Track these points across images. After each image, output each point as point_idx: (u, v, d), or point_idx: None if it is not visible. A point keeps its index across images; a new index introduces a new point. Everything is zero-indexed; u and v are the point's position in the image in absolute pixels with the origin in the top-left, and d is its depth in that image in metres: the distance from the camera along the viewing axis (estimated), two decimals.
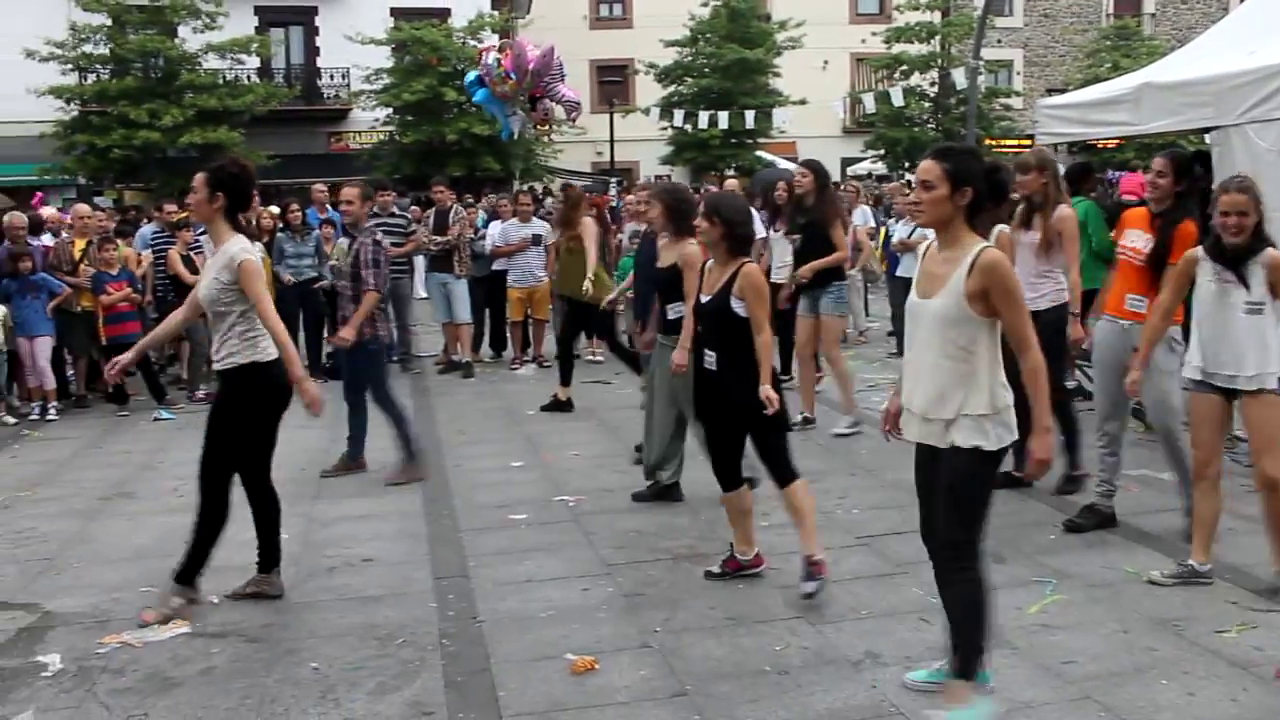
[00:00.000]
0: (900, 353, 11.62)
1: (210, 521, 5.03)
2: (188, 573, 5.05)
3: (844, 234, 8.39)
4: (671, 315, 6.38)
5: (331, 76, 30.37)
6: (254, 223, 9.95)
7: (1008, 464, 6.13)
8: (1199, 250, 5.10)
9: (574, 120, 17.84)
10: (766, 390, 4.98)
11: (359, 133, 30.25)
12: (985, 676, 3.93)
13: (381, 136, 29.19)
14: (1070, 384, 9.33)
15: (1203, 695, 4.04)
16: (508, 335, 12.31)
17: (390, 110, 28.15)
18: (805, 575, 5.06)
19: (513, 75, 15.84)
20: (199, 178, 5.00)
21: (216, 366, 5.06)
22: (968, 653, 3.77)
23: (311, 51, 30.73)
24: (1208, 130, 7.42)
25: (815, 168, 8.57)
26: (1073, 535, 5.82)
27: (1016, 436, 3.85)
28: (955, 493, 3.82)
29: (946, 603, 3.88)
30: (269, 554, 5.30)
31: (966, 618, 3.79)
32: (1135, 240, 5.91)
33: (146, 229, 12.09)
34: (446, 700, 4.14)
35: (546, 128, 18.18)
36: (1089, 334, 6.47)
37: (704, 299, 5.24)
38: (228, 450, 5.02)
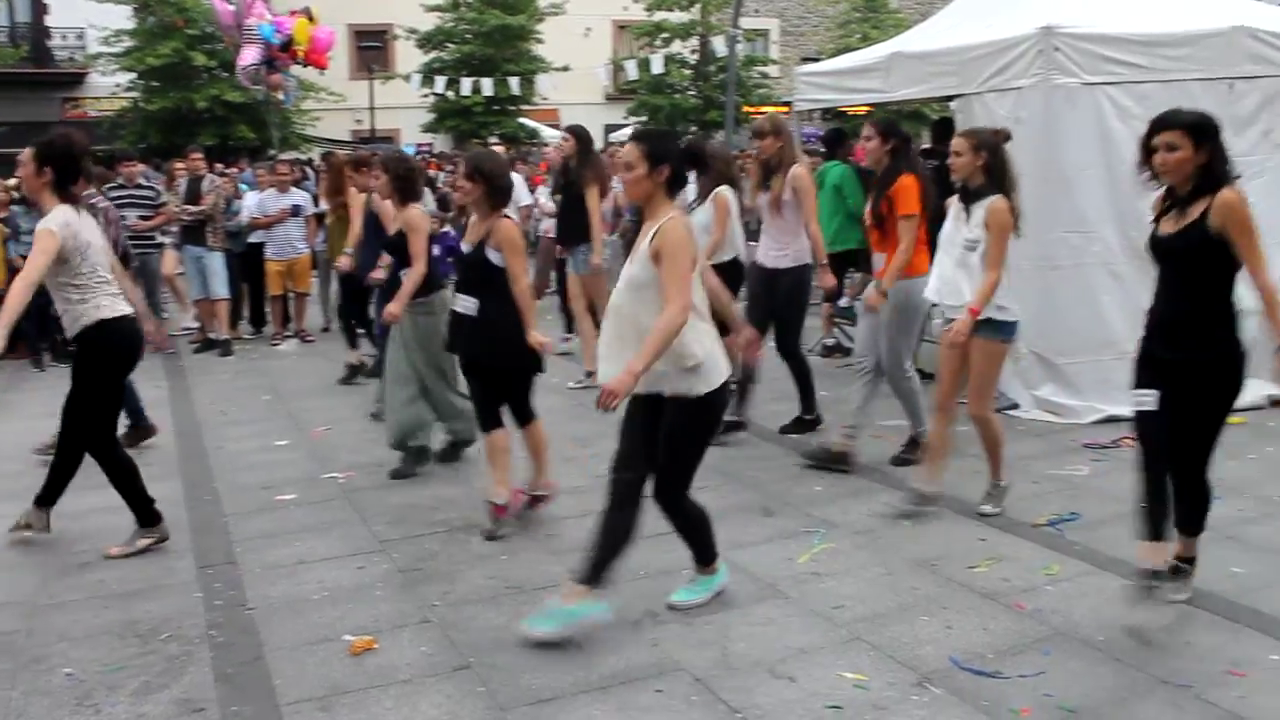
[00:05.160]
0: None
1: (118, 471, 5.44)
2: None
3: (598, 199, 8.56)
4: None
5: (64, 37, 28.26)
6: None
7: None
8: (955, 196, 5.56)
9: (248, 87, 17.76)
10: (535, 336, 5.36)
11: (98, 99, 28.31)
12: (723, 571, 4.63)
13: (125, 103, 27.40)
14: (829, 341, 9.76)
15: (959, 627, 4.31)
16: (267, 310, 11.83)
17: (134, 75, 26.44)
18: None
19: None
20: (27, 153, 5.21)
21: (70, 334, 5.25)
22: (701, 550, 4.57)
23: (39, 9, 28.47)
24: (953, 98, 7.82)
25: (578, 132, 8.82)
26: (837, 486, 6.10)
27: (726, 376, 4.27)
28: (674, 441, 4.27)
29: (676, 527, 4.51)
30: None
31: (691, 533, 4.52)
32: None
33: None
34: (218, 694, 3.94)
35: (277, 94, 17.92)
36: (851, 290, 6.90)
37: (465, 248, 5.61)
38: (92, 411, 5.29)
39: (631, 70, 27.32)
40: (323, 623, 4.51)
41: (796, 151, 7.19)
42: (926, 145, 10.85)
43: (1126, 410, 6.78)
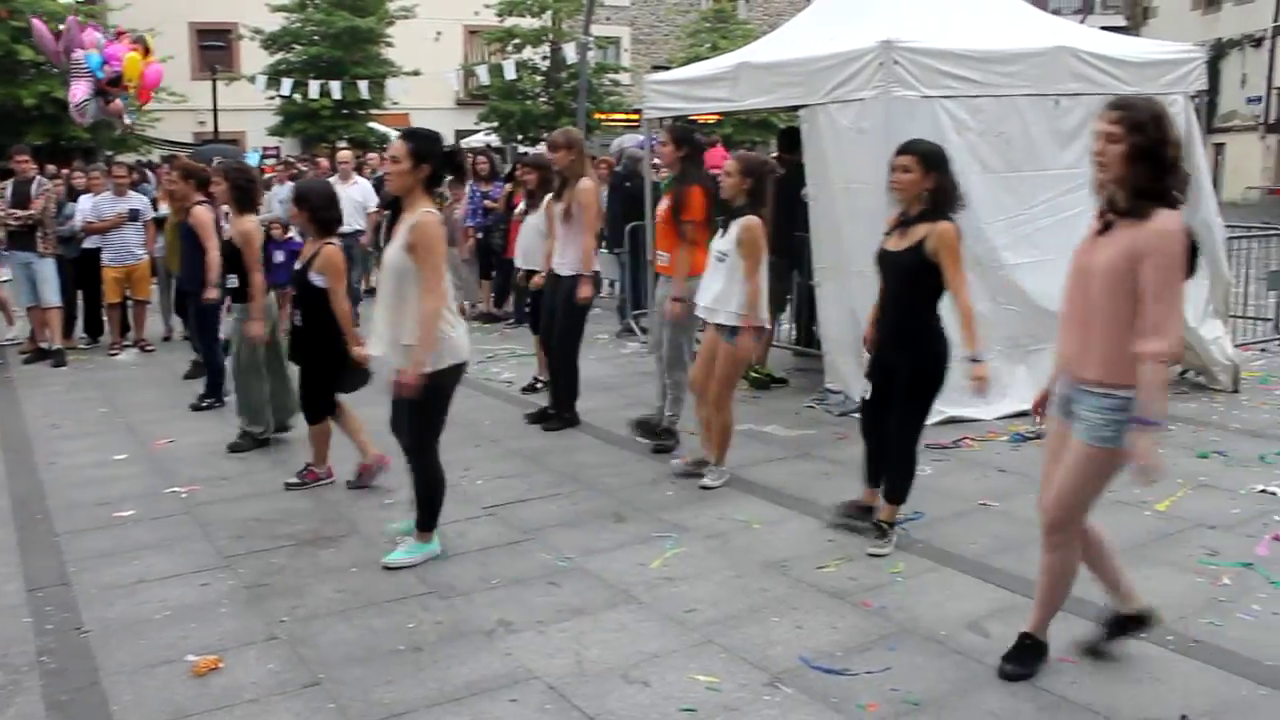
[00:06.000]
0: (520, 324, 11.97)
1: None
2: None
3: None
4: (231, 284, 7.04)
5: None
6: None
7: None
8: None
9: (80, 124, 17.37)
10: (360, 351, 5.95)
11: None
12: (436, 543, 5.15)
13: None
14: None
15: (809, 626, 4.41)
16: (104, 318, 11.34)
17: None
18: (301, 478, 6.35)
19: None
20: None
21: None
22: (425, 515, 5.10)
23: None
24: (799, 108, 7.99)
25: None
26: (689, 491, 6.16)
27: (455, 361, 4.82)
28: (409, 406, 4.83)
29: (414, 483, 5.09)
30: None
31: (423, 496, 5.06)
32: (662, 205, 6.84)
33: None
34: None
35: (123, 118, 17.58)
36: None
37: (296, 267, 6.22)
38: None
39: (483, 75, 27.18)
40: (164, 643, 4.35)
41: (586, 166, 7.52)
42: (774, 154, 11.06)
43: (967, 412, 7.12)
